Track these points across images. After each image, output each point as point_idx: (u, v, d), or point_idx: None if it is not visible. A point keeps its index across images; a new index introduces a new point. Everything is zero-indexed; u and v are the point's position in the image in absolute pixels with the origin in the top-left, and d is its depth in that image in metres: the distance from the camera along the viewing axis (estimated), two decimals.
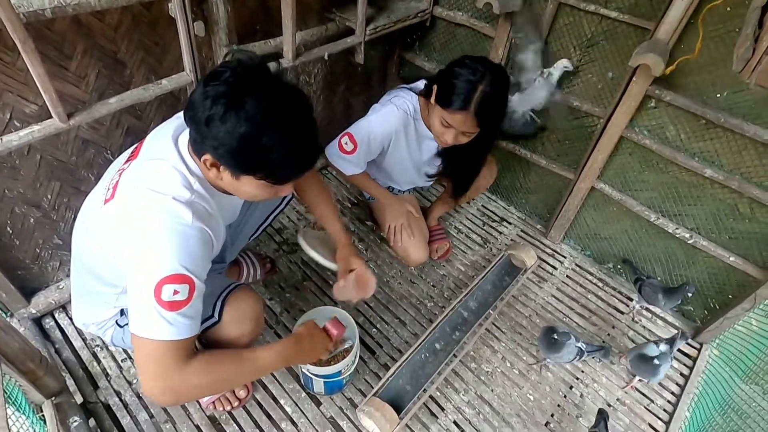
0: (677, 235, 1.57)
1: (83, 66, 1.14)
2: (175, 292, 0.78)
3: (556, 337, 1.38)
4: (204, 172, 0.87)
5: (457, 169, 1.61)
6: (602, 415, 1.26)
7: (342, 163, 1.49)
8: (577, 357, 1.42)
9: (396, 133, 1.46)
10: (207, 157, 0.81)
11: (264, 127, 0.76)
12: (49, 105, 0.97)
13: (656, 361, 1.36)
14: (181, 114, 0.96)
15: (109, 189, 0.87)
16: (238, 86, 0.76)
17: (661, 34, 1.27)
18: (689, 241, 1.55)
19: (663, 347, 1.38)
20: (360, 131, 1.44)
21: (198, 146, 0.82)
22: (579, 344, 1.41)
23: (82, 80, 1.15)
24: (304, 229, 1.40)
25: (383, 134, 1.45)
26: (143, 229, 0.79)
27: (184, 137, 0.88)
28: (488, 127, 1.35)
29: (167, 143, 0.87)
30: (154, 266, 0.78)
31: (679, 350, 1.63)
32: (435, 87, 1.33)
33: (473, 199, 2.04)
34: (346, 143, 1.45)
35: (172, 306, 0.78)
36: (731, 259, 1.48)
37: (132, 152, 0.93)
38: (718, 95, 1.30)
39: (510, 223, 2.00)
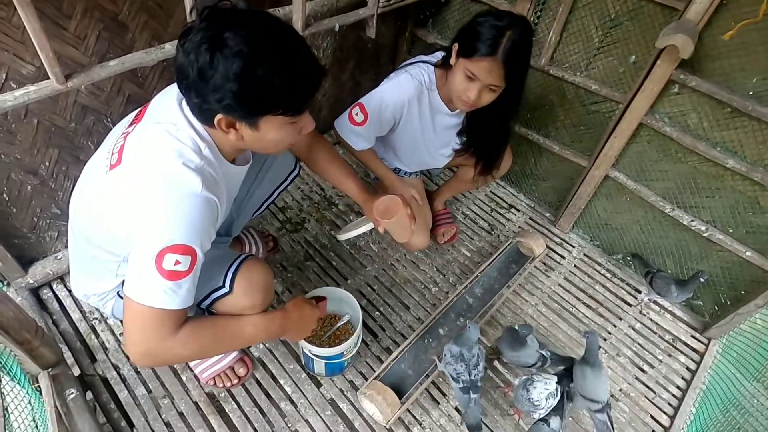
0: (692, 228, 1.53)
1: (83, 27, 1.08)
2: (177, 263, 0.76)
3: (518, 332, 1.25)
4: (222, 139, 0.84)
5: (481, 142, 1.53)
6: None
7: (352, 136, 1.44)
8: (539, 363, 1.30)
9: (409, 103, 1.39)
10: (219, 117, 0.77)
11: (256, 57, 0.71)
12: (46, 64, 0.92)
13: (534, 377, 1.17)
14: None
15: (113, 154, 0.83)
16: (213, 28, 0.71)
17: (691, 15, 1.20)
18: (704, 234, 1.51)
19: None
20: (372, 100, 1.38)
21: (205, 111, 0.78)
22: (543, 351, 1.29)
23: (82, 42, 1.10)
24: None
25: (395, 103, 1.38)
26: (152, 196, 0.77)
27: None
28: (514, 82, 1.25)
29: (173, 107, 0.82)
30: (160, 234, 0.76)
31: (686, 344, 1.60)
32: (456, 45, 1.26)
33: (484, 185, 1.99)
34: (356, 114, 1.39)
35: (172, 276, 0.77)
36: (747, 253, 1.44)
37: (136, 115, 0.89)
38: (747, 82, 1.24)
39: (518, 210, 1.96)
